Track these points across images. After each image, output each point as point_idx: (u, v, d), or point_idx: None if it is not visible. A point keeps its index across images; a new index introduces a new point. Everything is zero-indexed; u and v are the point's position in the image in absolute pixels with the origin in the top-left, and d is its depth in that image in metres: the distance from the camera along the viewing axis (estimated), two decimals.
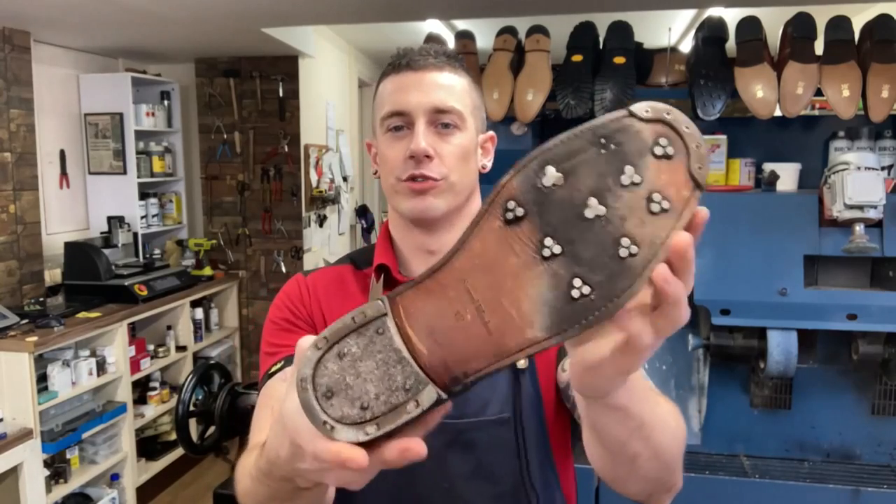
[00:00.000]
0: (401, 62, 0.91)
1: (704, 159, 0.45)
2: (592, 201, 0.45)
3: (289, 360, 0.88)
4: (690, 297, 2.02)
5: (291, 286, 0.99)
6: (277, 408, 0.72)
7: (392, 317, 0.49)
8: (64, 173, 3.60)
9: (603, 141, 0.46)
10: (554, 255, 0.46)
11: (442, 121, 0.89)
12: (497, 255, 0.47)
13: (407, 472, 0.55)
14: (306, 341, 0.50)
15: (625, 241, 0.44)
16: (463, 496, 0.87)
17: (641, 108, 0.46)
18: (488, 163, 0.98)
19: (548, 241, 0.46)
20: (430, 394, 0.46)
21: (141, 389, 3.53)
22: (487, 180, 0.96)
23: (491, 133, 0.98)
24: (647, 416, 0.64)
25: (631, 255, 0.44)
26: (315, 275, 1.00)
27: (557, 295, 0.45)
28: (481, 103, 0.96)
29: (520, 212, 0.46)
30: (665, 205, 0.45)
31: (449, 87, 0.90)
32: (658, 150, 0.45)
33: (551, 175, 0.46)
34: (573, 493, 0.98)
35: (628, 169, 0.45)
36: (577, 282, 0.45)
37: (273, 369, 0.89)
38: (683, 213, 0.45)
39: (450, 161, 0.89)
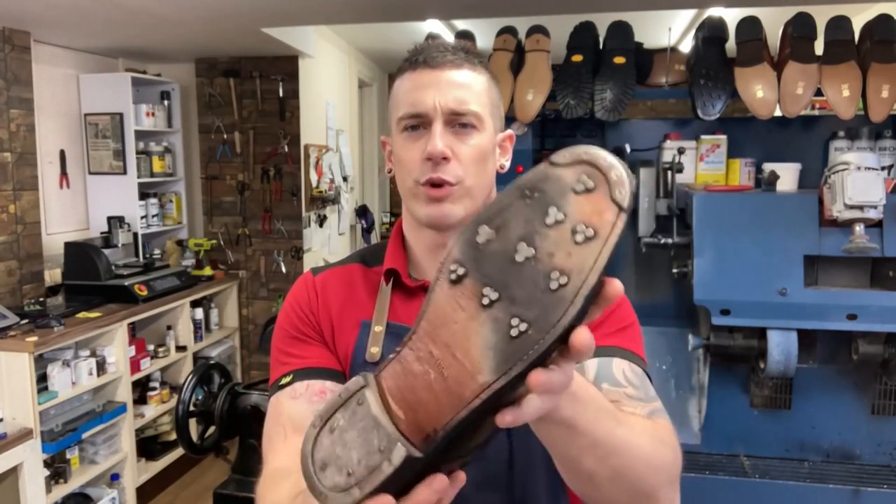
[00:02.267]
0: (418, 59, 0.88)
1: (625, 184, 0.47)
2: (521, 246, 0.49)
3: (297, 374, 0.89)
4: (690, 297, 2.03)
5: (300, 289, 0.97)
6: (290, 428, 0.81)
7: (374, 389, 0.54)
8: (64, 173, 3.60)
9: (528, 192, 0.50)
10: (493, 302, 0.49)
11: (461, 121, 0.86)
12: (448, 315, 0.51)
13: None
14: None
15: (554, 274, 0.47)
16: None
17: (560, 155, 0.50)
18: (506, 162, 0.95)
19: (486, 291, 0.49)
20: (399, 451, 0.51)
21: (141, 389, 3.53)
22: (503, 179, 0.95)
23: (510, 132, 0.96)
24: (601, 435, 0.64)
25: (561, 285, 0.47)
26: (325, 274, 0.98)
27: (499, 337, 0.49)
28: (500, 101, 0.93)
29: (461, 271, 0.51)
30: (589, 232, 0.47)
31: (467, 85, 0.87)
32: (579, 187, 0.49)
33: (484, 232, 0.51)
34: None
35: (552, 210, 0.49)
36: (514, 321, 0.48)
37: (283, 381, 0.89)
38: (609, 236, 0.47)
39: (467, 163, 0.86)
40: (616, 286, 0.50)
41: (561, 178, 0.49)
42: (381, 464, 0.51)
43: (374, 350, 0.89)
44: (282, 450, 0.83)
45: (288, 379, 0.89)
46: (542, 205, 0.49)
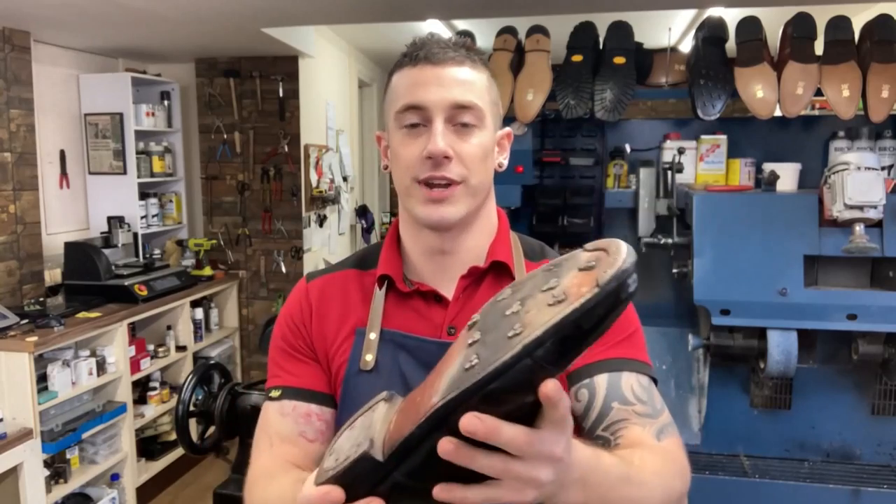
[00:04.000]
0: (418, 54, 0.86)
1: (614, 266, 0.51)
2: (517, 304, 0.56)
3: (286, 392, 0.91)
4: (690, 297, 2.03)
5: (294, 300, 0.96)
6: (276, 439, 0.88)
7: (393, 403, 0.64)
8: (64, 173, 3.60)
9: (552, 266, 0.58)
10: (474, 342, 0.55)
11: (461, 120, 0.84)
12: (451, 354, 0.59)
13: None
14: None
15: (517, 326, 0.53)
16: None
17: (592, 243, 0.57)
18: (504, 160, 0.93)
19: (476, 334, 0.56)
20: (363, 446, 0.59)
21: (141, 389, 3.52)
22: (500, 179, 0.95)
23: (508, 129, 0.94)
24: (613, 502, 0.65)
25: (516, 334, 0.52)
26: (319, 281, 0.97)
27: (458, 369, 0.55)
28: (499, 99, 0.92)
29: (476, 318, 0.59)
30: (561, 297, 0.52)
31: (469, 82, 0.85)
32: (583, 266, 0.54)
33: (505, 293, 0.60)
34: None
35: (553, 280, 0.55)
36: (473, 357, 0.53)
37: (273, 394, 0.92)
38: (574, 303, 0.51)
39: (469, 162, 0.84)
40: (549, 385, 0.52)
41: (578, 259, 0.56)
42: (350, 455, 0.60)
43: (369, 357, 0.88)
44: (268, 457, 0.89)
45: (278, 394, 0.91)
46: (551, 276, 0.56)
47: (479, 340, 0.55)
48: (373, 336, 0.89)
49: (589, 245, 0.57)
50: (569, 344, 0.52)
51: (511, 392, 0.52)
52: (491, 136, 0.88)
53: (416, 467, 0.57)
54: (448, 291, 0.90)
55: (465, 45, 0.88)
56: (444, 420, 0.53)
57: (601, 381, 0.84)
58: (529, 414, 0.55)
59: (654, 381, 0.88)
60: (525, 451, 0.53)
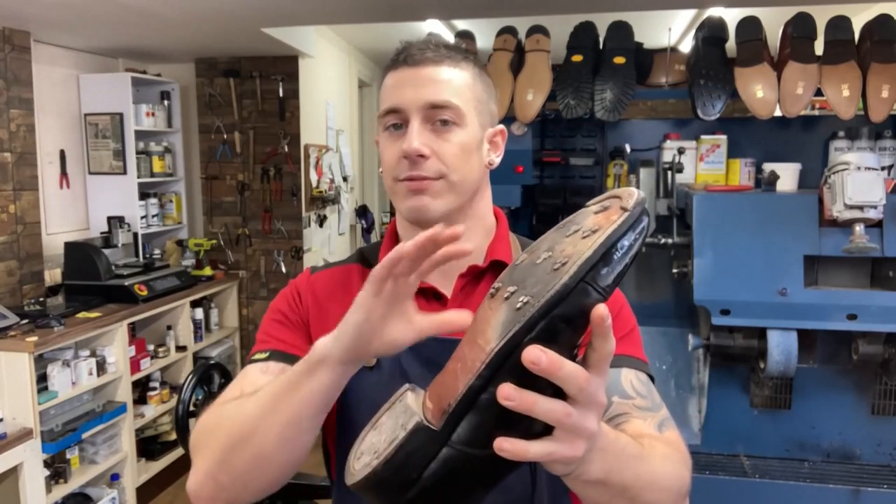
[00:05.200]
0: (399, 57, 0.88)
1: (633, 195, 0.56)
2: (543, 253, 0.58)
3: (274, 354, 0.89)
4: (690, 297, 2.03)
5: (296, 284, 0.98)
6: (249, 390, 0.80)
7: (418, 393, 0.62)
8: (64, 173, 3.60)
9: (562, 225, 0.61)
10: (511, 294, 0.56)
11: (440, 117, 0.85)
12: (482, 317, 0.58)
13: None
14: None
15: (559, 259, 0.55)
16: None
17: (594, 199, 0.62)
18: (497, 158, 0.94)
19: (510, 288, 0.57)
20: (414, 419, 0.57)
21: (141, 389, 3.53)
22: (500, 179, 0.95)
23: (500, 127, 0.94)
24: (630, 480, 0.65)
25: (562, 264, 0.54)
26: (322, 274, 0.98)
27: (508, 314, 0.55)
28: (489, 96, 0.92)
29: (498, 285, 0.60)
30: (595, 228, 0.55)
31: (446, 81, 0.86)
32: (598, 209, 0.59)
33: (521, 257, 0.62)
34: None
35: (572, 227, 0.58)
36: (522, 298, 0.54)
37: (257, 357, 0.90)
38: (609, 227, 0.54)
39: (449, 159, 0.85)
40: (600, 308, 0.53)
41: (588, 209, 0.60)
42: (398, 435, 0.57)
43: None
44: (230, 395, 0.83)
45: (264, 356, 0.89)
46: (568, 227, 0.59)
47: (516, 291, 0.56)
48: None
49: (591, 200, 0.61)
50: (613, 266, 0.54)
51: (567, 321, 0.53)
52: (474, 133, 0.88)
53: (472, 429, 0.55)
54: (447, 290, 0.91)
55: (446, 45, 0.89)
56: (504, 364, 0.53)
57: None
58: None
59: (652, 379, 0.89)
60: (583, 390, 0.53)
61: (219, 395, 0.86)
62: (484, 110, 0.91)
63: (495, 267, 0.91)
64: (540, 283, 0.54)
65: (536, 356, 0.51)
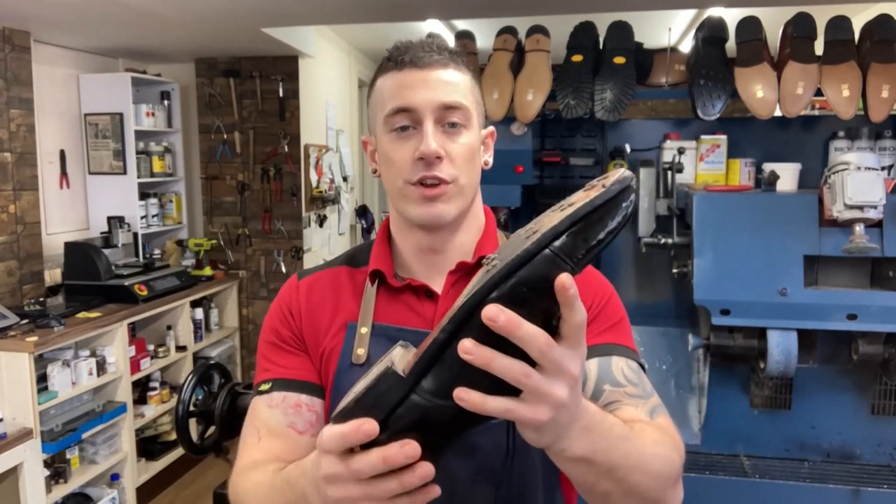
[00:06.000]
0: (403, 58, 0.87)
1: (613, 175, 0.58)
2: (530, 227, 0.60)
3: (276, 384, 0.91)
4: (690, 297, 2.03)
5: (284, 294, 0.97)
6: (264, 431, 0.87)
7: (408, 349, 0.64)
8: (64, 173, 3.60)
9: (555, 205, 0.62)
10: (494, 265, 0.57)
11: (449, 119, 0.86)
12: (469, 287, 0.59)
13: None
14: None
15: (533, 229, 0.57)
16: (466, 500, 0.86)
17: (589, 183, 0.63)
18: (490, 159, 0.96)
19: (496, 262, 0.57)
20: (386, 364, 0.59)
21: (141, 389, 3.53)
22: (500, 179, 0.96)
23: (491, 128, 0.96)
24: (617, 460, 0.66)
25: (533, 233, 0.56)
26: (310, 278, 0.98)
27: (480, 277, 0.57)
28: (481, 98, 0.94)
29: (492, 256, 0.60)
30: (570, 203, 0.58)
31: (455, 83, 0.87)
32: (587, 188, 0.60)
33: (517, 232, 0.63)
34: (574, 496, 0.97)
35: (561, 203, 0.60)
36: (494, 263, 0.57)
37: (262, 388, 0.92)
38: (582, 202, 0.56)
39: (459, 162, 0.86)
40: (563, 276, 0.53)
41: (583, 189, 0.61)
42: (369, 378, 0.59)
43: (360, 352, 0.89)
44: (255, 450, 0.88)
45: (267, 386, 0.91)
46: (558, 204, 0.61)
47: (495, 259, 0.58)
48: (364, 330, 0.90)
49: (592, 181, 0.63)
50: (582, 238, 0.55)
51: (532, 287, 0.54)
52: (477, 135, 0.90)
53: (437, 382, 0.57)
54: (438, 286, 0.92)
55: (447, 48, 0.90)
56: (468, 320, 0.55)
57: (592, 364, 0.85)
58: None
59: (643, 367, 0.90)
60: (544, 353, 0.54)
61: (240, 442, 0.92)
62: (481, 112, 0.93)
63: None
64: (512, 250, 0.56)
65: (494, 313, 0.52)
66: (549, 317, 0.56)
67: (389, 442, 0.57)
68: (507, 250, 0.58)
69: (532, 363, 0.55)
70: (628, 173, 0.57)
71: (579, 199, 0.57)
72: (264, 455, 0.87)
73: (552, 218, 0.57)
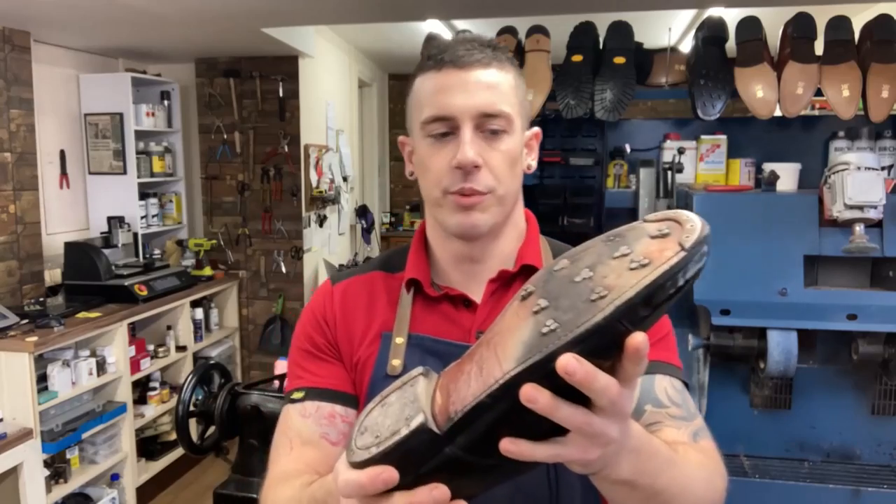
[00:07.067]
0: (443, 57, 0.82)
1: (695, 231, 0.52)
2: (585, 271, 0.54)
3: (309, 393, 0.88)
4: (690, 297, 2.03)
5: (318, 300, 0.94)
6: (296, 441, 0.84)
7: (431, 379, 0.61)
8: (64, 173, 3.60)
9: (612, 237, 0.56)
10: (541, 309, 0.54)
11: (490, 126, 0.81)
12: (507, 323, 0.56)
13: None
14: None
15: (598, 289, 0.51)
16: None
17: (653, 214, 0.57)
18: (533, 162, 0.90)
19: (540, 301, 0.54)
20: (418, 418, 0.55)
21: (141, 389, 3.53)
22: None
23: (536, 130, 0.90)
24: (661, 485, 0.64)
25: (600, 297, 0.51)
26: (344, 284, 0.94)
27: (533, 335, 0.53)
28: (526, 97, 0.88)
29: (530, 289, 0.57)
30: (644, 261, 0.51)
31: (496, 85, 0.82)
32: (654, 233, 0.54)
33: (562, 263, 0.57)
34: None
35: (623, 248, 0.54)
36: (549, 322, 0.52)
37: (295, 395, 0.89)
38: (662, 264, 0.50)
39: (498, 170, 0.82)
40: (638, 337, 0.50)
41: (644, 228, 0.55)
42: (400, 428, 0.56)
43: (396, 362, 0.86)
44: (287, 459, 0.86)
45: (300, 395, 0.88)
46: (617, 244, 0.55)
47: (547, 307, 0.53)
48: (399, 340, 0.87)
49: (650, 216, 0.57)
50: (653, 307, 0.51)
51: (594, 355, 0.50)
52: (520, 139, 0.85)
53: (475, 439, 0.54)
54: (476, 295, 0.88)
55: (490, 45, 0.84)
56: (519, 386, 0.51)
57: None
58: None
59: (686, 385, 0.86)
60: (614, 403, 0.51)
61: (271, 450, 0.89)
62: (524, 113, 0.87)
63: (526, 272, 0.88)
64: (572, 310, 0.51)
65: (573, 367, 0.49)
66: (605, 360, 0.53)
67: (416, 486, 0.55)
68: (563, 301, 0.53)
69: (576, 399, 0.52)
70: (707, 229, 0.52)
71: (654, 259, 0.51)
72: (297, 465, 0.85)
73: (622, 277, 0.51)
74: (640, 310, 0.50)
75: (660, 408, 0.81)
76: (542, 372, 0.50)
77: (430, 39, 0.89)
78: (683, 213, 0.54)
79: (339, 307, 0.92)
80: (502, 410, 0.52)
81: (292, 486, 0.80)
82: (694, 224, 0.52)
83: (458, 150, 0.80)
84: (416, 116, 0.84)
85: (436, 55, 0.83)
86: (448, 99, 0.81)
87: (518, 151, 0.85)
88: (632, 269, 0.51)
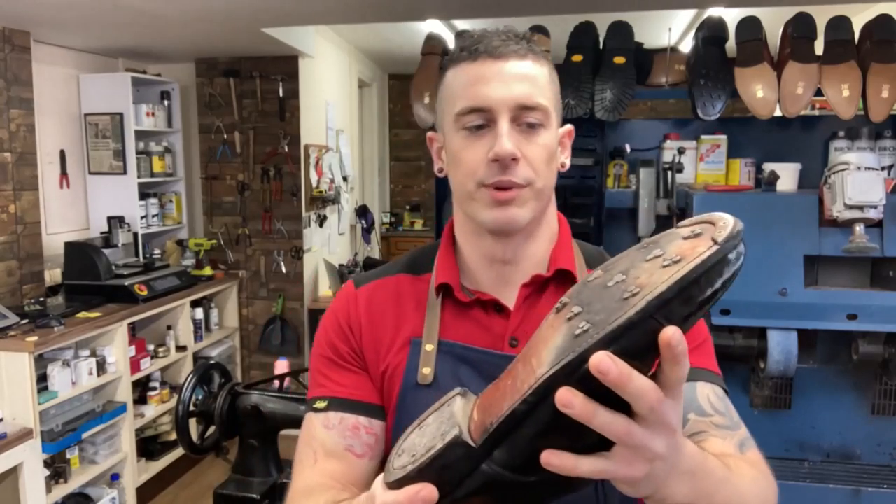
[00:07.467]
0: (478, 47, 0.79)
1: (727, 227, 0.51)
2: (618, 276, 0.53)
3: (333, 403, 0.85)
4: None
5: (341, 304, 0.90)
6: (320, 453, 0.84)
7: (469, 399, 0.61)
8: (64, 173, 3.60)
9: (645, 244, 0.57)
10: (575, 315, 0.53)
11: (528, 119, 0.78)
12: (543, 335, 0.55)
13: None
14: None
15: (631, 288, 0.50)
16: None
17: (687, 219, 0.57)
18: (567, 160, 0.87)
19: (575, 308, 0.53)
20: (453, 431, 0.55)
21: (141, 389, 3.52)
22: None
23: (569, 127, 0.88)
24: None
25: (632, 294, 0.50)
26: (368, 287, 0.90)
27: (566, 339, 0.51)
28: (559, 94, 0.84)
29: (565, 300, 0.56)
30: (676, 258, 0.50)
31: (533, 78, 0.78)
32: (687, 234, 0.53)
33: (595, 274, 0.57)
34: None
35: (655, 250, 0.53)
36: (582, 324, 0.51)
37: (318, 405, 0.86)
38: (693, 259, 0.49)
39: (536, 164, 0.78)
40: (670, 331, 0.49)
41: (677, 232, 0.55)
42: (435, 444, 0.55)
43: (426, 371, 0.82)
44: (311, 472, 0.84)
45: (323, 405, 0.85)
46: (650, 249, 0.55)
47: (580, 313, 0.52)
48: (430, 348, 0.83)
49: (684, 222, 0.57)
50: (688, 305, 0.49)
51: (628, 355, 0.48)
52: (556, 134, 0.82)
53: (513, 454, 0.53)
54: (509, 301, 0.84)
55: (525, 37, 0.81)
56: (554, 390, 0.49)
57: None
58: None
59: (727, 392, 0.83)
60: (655, 409, 0.49)
61: (294, 461, 0.87)
62: (559, 109, 0.84)
63: (559, 276, 0.85)
64: (605, 310, 0.50)
65: (606, 366, 0.47)
66: (644, 365, 0.51)
67: None
68: (595, 305, 0.52)
69: (617, 408, 0.50)
70: (740, 225, 0.52)
71: (686, 255, 0.50)
72: (321, 478, 0.82)
73: (654, 275, 0.50)
74: (674, 306, 0.48)
75: (703, 416, 0.77)
76: (577, 374, 0.48)
77: (462, 34, 0.86)
78: (716, 214, 0.54)
79: (365, 312, 0.88)
80: (539, 419, 0.51)
81: (315, 502, 0.78)
82: (726, 221, 0.52)
83: (494, 143, 0.77)
84: (449, 109, 0.81)
85: (469, 46, 0.80)
86: (484, 90, 0.77)
87: (554, 147, 0.82)
88: (664, 267, 0.50)
